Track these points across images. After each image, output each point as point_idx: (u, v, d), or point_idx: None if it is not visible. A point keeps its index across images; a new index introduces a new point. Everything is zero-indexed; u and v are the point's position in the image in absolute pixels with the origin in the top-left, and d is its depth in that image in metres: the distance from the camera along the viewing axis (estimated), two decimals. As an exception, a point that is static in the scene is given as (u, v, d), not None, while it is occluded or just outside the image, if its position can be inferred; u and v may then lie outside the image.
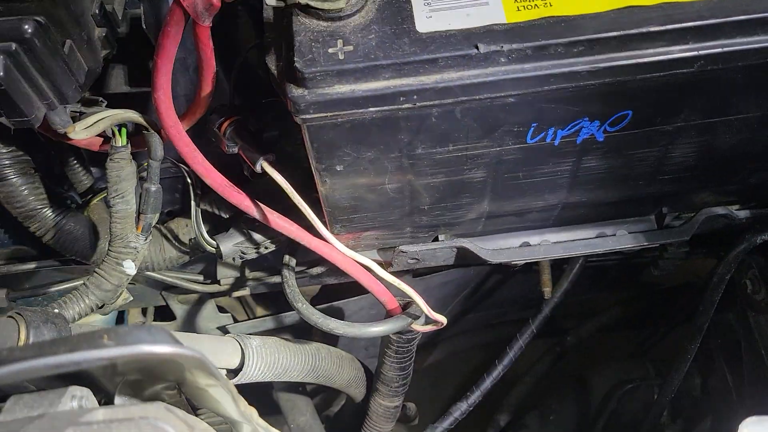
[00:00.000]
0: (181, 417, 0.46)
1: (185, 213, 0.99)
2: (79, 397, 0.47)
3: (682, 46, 0.58)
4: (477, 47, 0.57)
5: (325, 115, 0.60)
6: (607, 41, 0.57)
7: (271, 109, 0.88)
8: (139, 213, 0.78)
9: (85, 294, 0.76)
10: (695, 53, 0.58)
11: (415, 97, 0.59)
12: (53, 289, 0.94)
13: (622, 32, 0.57)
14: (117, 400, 0.51)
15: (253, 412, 0.54)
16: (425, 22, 0.59)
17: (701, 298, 0.85)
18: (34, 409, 0.45)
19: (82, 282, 0.78)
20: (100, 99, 0.78)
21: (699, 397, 1.08)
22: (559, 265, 1.02)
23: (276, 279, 1.04)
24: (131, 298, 0.82)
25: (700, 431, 1.07)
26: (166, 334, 0.46)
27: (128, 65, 0.85)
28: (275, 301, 1.20)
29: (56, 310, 0.70)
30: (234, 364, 0.84)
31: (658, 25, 0.57)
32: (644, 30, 0.57)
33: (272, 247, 0.92)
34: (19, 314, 0.63)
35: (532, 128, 0.65)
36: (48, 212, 0.86)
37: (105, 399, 0.51)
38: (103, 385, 0.50)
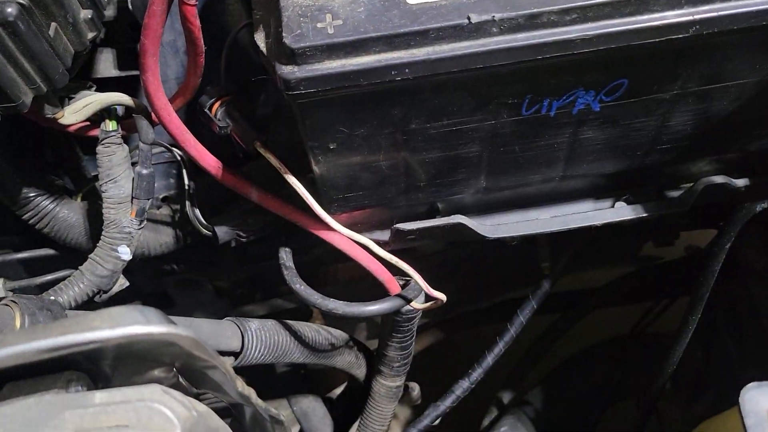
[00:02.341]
0: (178, 398, 0.45)
1: (180, 197, 0.98)
2: (75, 381, 0.47)
3: (676, 11, 0.57)
4: (469, 18, 0.56)
5: (316, 91, 0.59)
6: (601, 7, 0.56)
7: (262, 88, 0.87)
8: (132, 198, 0.77)
9: (81, 280, 0.75)
10: (690, 18, 0.57)
11: (406, 70, 0.58)
12: (48, 277, 0.94)
13: (615, -2, 0.56)
14: (115, 384, 0.51)
15: (251, 392, 0.54)
16: (415, -7, 0.58)
17: (701, 268, 0.85)
18: (30, 395, 0.45)
19: (78, 269, 0.78)
20: (89, 83, 0.77)
21: (701, 368, 1.08)
22: (558, 241, 1.02)
23: (273, 262, 1.03)
24: (127, 284, 0.82)
25: (704, 402, 1.07)
26: (159, 314, 0.46)
27: (116, 49, 0.84)
28: (273, 284, 1.19)
29: (52, 297, 0.70)
30: (234, 347, 0.83)
31: (652, -10, 0.56)
32: (638, -5, 0.56)
33: (269, 230, 0.91)
34: (14, 302, 0.63)
35: (527, 100, 0.64)
36: (41, 200, 0.85)
37: (102, 384, 0.51)
38: (100, 369, 0.50)
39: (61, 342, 0.40)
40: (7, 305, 0.62)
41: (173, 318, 0.67)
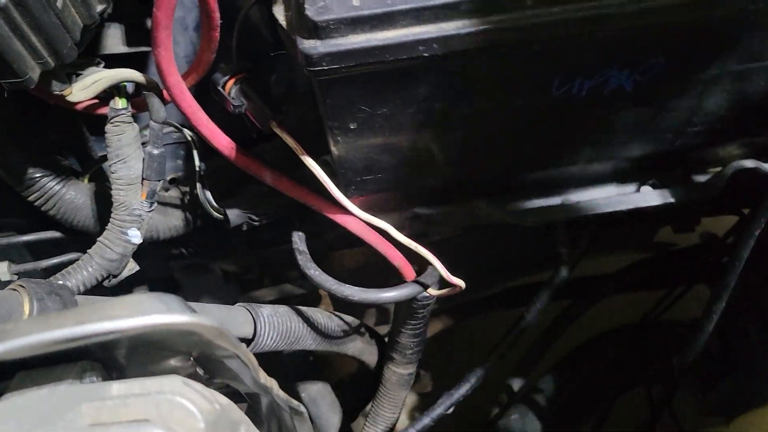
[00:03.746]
0: (199, 390, 0.43)
1: (189, 179, 0.95)
2: (89, 371, 0.45)
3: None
4: (502, -10, 0.53)
5: (339, 67, 0.56)
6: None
7: (273, 66, 0.84)
8: (142, 179, 0.74)
9: (90, 264, 0.73)
10: None
11: (435, 45, 0.55)
12: (54, 260, 0.91)
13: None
14: (129, 373, 0.48)
15: (273, 382, 0.52)
16: (446, -36, 0.55)
17: (725, 256, 0.82)
18: (43, 385, 0.43)
19: (86, 252, 0.75)
20: (98, 60, 0.74)
21: (718, 357, 1.06)
22: (576, 225, 0.99)
23: (287, 246, 1.01)
24: (137, 268, 0.79)
25: (720, 391, 1.05)
26: (180, 302, 0.43)
27: (125, 25, 0.81)
28: (282, 269, 1.17)
29: (60, 282, 0.68)
30: (246, 333, 0.81)
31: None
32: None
33: (281, 214, 0.89)
34: (23, 286, 0.60)
35: (558, 79, 0.61)
36: (47, 181, 0.82)
37: (116, 373, 0.49)
38: (114, 358, 0.48)
39: (79, 332, 0.38)
40: (15, 290, 0.60)
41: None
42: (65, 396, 0.41)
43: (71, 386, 0.42)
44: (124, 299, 0.41)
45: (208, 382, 0.52)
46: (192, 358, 0.50)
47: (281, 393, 0.54)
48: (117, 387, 0.42)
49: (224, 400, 0.44)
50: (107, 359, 0.47)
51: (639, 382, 1.29)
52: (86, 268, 0.72)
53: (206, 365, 0.51)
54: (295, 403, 0.58)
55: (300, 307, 0.91)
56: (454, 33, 0.54)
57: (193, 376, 0.51)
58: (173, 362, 0.50)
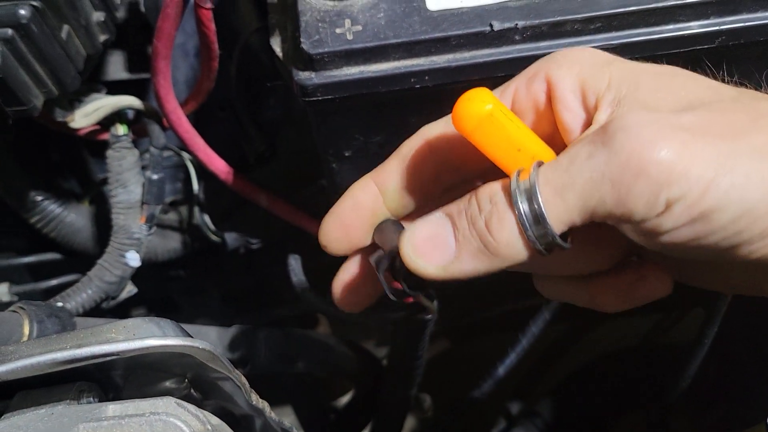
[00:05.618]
0: (192, 412, 0.44)
1: (188, 202, 0.97)
2: (86, 391, 0.46)
3: (702, 21, 0.56)
4: (491, 25, 0.55)
5: (333, 98, 0.58)
6: (626, 17, 0.55)
7: (271, 93, 0.86)
8: (142, 203, 0.76)
9: (88, 286, 0.74)
10: (716, 28, 0.56)
11: (426, 77, 0.57)
12: (55, 282, 0.93)
13: (640, 7, 0.55)
14: (125, 394, 0.50)
15: (265, 405, 0.53)
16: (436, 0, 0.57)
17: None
18: (42, 405, 0.44)
19: (85, 275, 0.77)
20: (99, 86, 0.76)
21: (714, 380, 1.07)
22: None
23: (283, 268, 1.02)
24: (135, 290, 0.80)
25: (715, 415, 1.05)
26: (175, 326, 0.45)
27: (127, 51, 0.83)
28: (280, 290, 1.18)
29: (60, 304, 0.69)
30: (242, 355, 0.82)
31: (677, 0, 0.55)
32: (663, 4, 0.55)
33: (278, 236, 0.90)
34: (23, 308, 0.61)
35: (546, 109, 0.63)
36: (48, 204, 0.84)
37: (113, 394, 0.50)
38: (111, 379, 0.49)
39: (77, 354, 0.39)
40: (15, 311, 0.61)
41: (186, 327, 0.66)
42: (63, 416, 0.42)
43: (69, 406, 0.44)
44: (121, 323, 0.42)
45: (201, 404, 0.53)
46: (186, 380, 0.51)
47: (273, 415, 0.55)
48: (113, 408, 0.43)
49: (216, 420, 0.46)
50: (104, 380, 0.48)
51: (636, 404, 1.29)
52: (85, 291, 0.74)
53: (200, 387, 0.53)
54: (287, 425, 0.59)
55: (296, 329, 0.92)
56: (445, 66, 0.56)
57: (188, 398, 0.52)
58: (168, 384, 0.51)
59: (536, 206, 0.40)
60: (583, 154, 0.40)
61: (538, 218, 0.40)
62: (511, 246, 0.42)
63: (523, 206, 0.41)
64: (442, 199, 0.51)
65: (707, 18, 0.56)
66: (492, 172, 0.45)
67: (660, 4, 0.55)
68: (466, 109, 0.43)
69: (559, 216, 0.40)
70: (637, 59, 0.56)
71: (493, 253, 0.43)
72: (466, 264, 0.44)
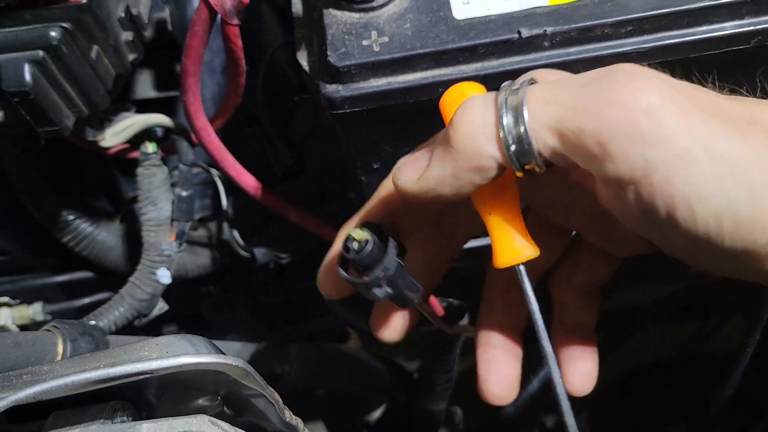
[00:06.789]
0: (226, 429, 0.44)
1: (217, 218, 0.97)
2: (120, 410, 0.46)
3: (737, 21, 0.55)
4: (519, 32, 0.54)
5: (361, 110, 0.57)
6: (657, 19, 0.54)
7: (298, 107, 0.86)
8: (172, 220, 0.76)
9: (121, 304, 0.75)
10: (751, 28, 0.55)
11: (454, 87, 0.56)
12: (87, 300, 0.94)
13: (672, 9, 0.54)
14: (159, 412, 0.49)
15: (299, 422, 0.52)
16: (462, 8, 0.56)
17: (759, 287, 0.81)
18: (76, 425, 0.44)
19: (117, 292, 0.77)
20: (129, 105, 0.77)
21: (759, 390, 1.04)
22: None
23: (314, 283, 1.02)
24: (166, 308, 0.81)
25: (762, 427, 1.02)
26: (207, 343, 0.44)
27: (155, 70, 0.84)
28: (310, 305, 1.18)
29: (92, 322, 0.69)
30: (273, 371, 0.82)
31: (711, 0, 0.54)
32: (696, 5, 0.54)
33: (308, 250, 0.90)
34: (57, 327, 0.62)
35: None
36: (80, 223, 0.85)
37: (147, 412, 0.50)
38: (144, 397, 0.49)
39: (112, 373, 0.39)
40: (49, 330, 0.62)
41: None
42: (98, 436, 0.42)
43: (103, 426, 0.43)
44: (153, 341, 0.42)
45: (234, 421, 0.52)
46: (219, 397, 0.51)
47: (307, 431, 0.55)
48: (147, 426, 0.42)
49: (250, 439, 0.45)
50: (137, 399, 0.48)
51: (677, 418, 1.26)
52: (117, 309, 0.74)
53: (233, 404, 0.52)
54: (321, 441, 0.58)
55: (327, 344, 0.92)
56: (473, 75, 0.55)
57: (221, 415, 0.52)
58: (201, 401, 0.51)
59: (519, 104, 0.40)
60: (578, 81, 0.40)
61: (518, 119, 0.40)
62: (471, 137, 0.41)
63: (507, 101, 0.41)
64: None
65: (742, 18, 0.54)
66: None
67: (692, 5, 0.54)
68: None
69: (539, 121, 0.39)
70: (670, 62, 0.56)
71: (453, 146, 0.42)
72: (435, 170, 0.43)
